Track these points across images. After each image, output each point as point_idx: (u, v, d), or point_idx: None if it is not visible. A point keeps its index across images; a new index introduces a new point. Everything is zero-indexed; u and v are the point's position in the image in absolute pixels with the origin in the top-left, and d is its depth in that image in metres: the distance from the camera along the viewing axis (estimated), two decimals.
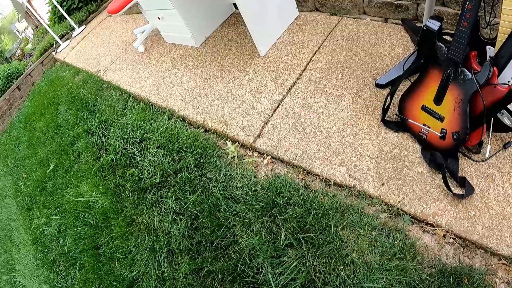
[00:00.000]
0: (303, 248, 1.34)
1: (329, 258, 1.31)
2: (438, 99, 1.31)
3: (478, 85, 1.15)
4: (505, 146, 1.35)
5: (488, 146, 1.35)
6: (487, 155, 1.35)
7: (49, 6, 5.86)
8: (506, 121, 1.30)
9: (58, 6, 5.06)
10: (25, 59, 6.19)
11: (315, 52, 2.11)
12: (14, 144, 3.98)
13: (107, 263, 1.86)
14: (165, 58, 2.93)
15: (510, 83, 1.15)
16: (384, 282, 1.20)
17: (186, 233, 1.64)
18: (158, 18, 2.82)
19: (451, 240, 1.25)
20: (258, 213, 1.49)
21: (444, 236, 1.27)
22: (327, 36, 2.17)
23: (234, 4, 2.92)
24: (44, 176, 2.87)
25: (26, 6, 5.38)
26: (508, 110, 1.26)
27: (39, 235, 2.47)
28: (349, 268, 1.27)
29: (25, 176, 3.22)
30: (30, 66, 5.38)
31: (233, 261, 1.45)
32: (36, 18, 6.30)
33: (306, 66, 2.05)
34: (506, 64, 1.17)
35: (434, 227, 1.29)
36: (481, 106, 1.19)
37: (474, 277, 1.12)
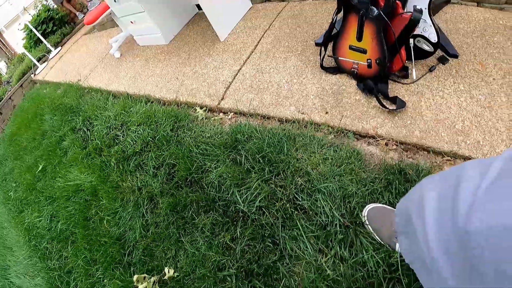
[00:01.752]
0: (264, 170, 1.61)
1: (286, 174, 1.57)
2: (359, 37, 1.59)
3: (384, 16, 1.42)
4: (430, 69, 1.61)
5: (414, 70, 1.62)
6: (414, 77, 1.62)
7: (24, 31, 6.12)
8: (425, 47, 1.58)
9: (34, 30, 5.34)
10: (4, 86, 6.37)
11: (266, 30, 2.46)
12: (1, 162, 4.11)
13: (97, 228, 2.05)
14: (139, 58, 3.24)
15: (414, 10, 1.37)
16: (338, 184, 1.42)
17: (165, 180, 1.90)
18: (131, 22, 3.14)
19: (394, 146, 1.48)
20: (223, 149, 1.78)
21: (386, 144, 1.49)
22: (275, 18, 2.53)
23: (197, 6, 3.27)
24: (34, 177, 3.03)
25: None
26: (424, 37, 1.53)
27: (32, 230, 2.61)
28: (304, 178, 1.53)
29: (14, 185, 3.35)
30: (10, 91, 5.57)
31: (206, 191, 1.72)
32: (8, 49, 6.53)
33: (259, 42, 2.40)
34: None
35: (376, 139, 1.53)
36: (393, 34, 1.45)
37: (419, 171, 1.32)
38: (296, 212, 1.48)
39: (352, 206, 1.37)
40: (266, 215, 1.51)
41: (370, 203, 1.34)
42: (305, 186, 1.52)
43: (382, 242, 1.25)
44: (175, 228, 1.71)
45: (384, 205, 1.31)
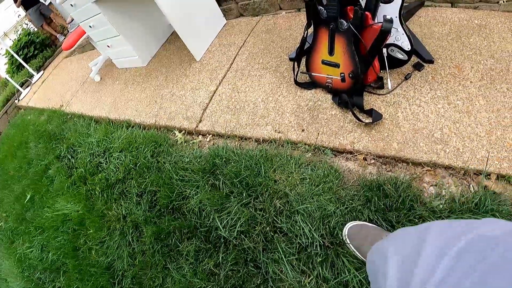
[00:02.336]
0: (242, 194, 1.63)
1: (265, 197, 1.58)
2: (331, 51, 1.58)
3: (353, 28, 1.42)
4: (406, 78, 1.61)
5: (389, 79, 1.62)
6: (389, 87, 1.62)
7: (6, 57, 6.11)
8: (399, 55, 1.56)
9: (16, 56, 5.32)
10: None
11: (240, 47, 2.48)
12: None
13: (87, 258, 2.06)
14: (118, 81, 3.25)
15: (384, 20, 1.35)
16: (316, 204, 1.42)
17: (147, 208, 1.92)
18: (108, 46, 3.15)
19: (372, 161, 1.47)
20: (202, 174, 1.80)
21: (364, 158, 1.49)
22: (249, 33, 2.55)
23: None
24: (22, 207, 3.03)
25: None
26: (397, 46, 1.53)
27: (24, 260, 2.61)
28: (283, 200, 1.54)
29: (4, 215, 3.37)
30: None
31: (187, 217, 1.73)
32: None
33: (234, 60, 2.42)
34: (376, 7, 1.43)
35: (354, 154, 1.53)
36: (364, 46, 1.45)
37: (399, 185, 1.31)
38: (276, 235, 1.50)
39: (331, 226, 1.38)
40: (247, 240, 1.53)
41: (350, 221, 1.35)
42: (284, 208, 1.54)
43: (364, 260, 1.26)
44: (160, 255, 1.73)
45: (364, 222, 1.32)
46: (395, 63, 1.62)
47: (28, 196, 3.07)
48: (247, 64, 2.31)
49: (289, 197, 1.54)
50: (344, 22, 1.45)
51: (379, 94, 1.65)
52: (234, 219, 1.59)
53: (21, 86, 5.33)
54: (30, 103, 4.62)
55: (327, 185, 1.48)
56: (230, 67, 2.38)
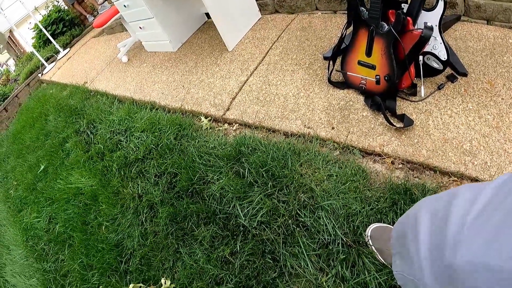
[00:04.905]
0: (267, 184, 1.59)
1: (290, 189, 1.54)
2: (369, 52, 1.57)
3: (394, 31, 1.41)
4: (439, 87, 1.60)
5: (422, 87, 1.61)
6: (422, 95, 1.60)
7: (34, 31, 6.16)
8: (435, 64, 1.55)
9: (44, 30, 5.37)
10: (11, 84, 6.40)
11: (274, 42, 2.45)
12: (3, 159, 4.09)
13: (95, 233, 2.03)
14: (146, 64, 3.24)
15: (423, 27, 1.36)
16: (342, 202, 1.39)
17: (166, 189, 1.88)
18: (140, 28, 3.15)
19: (400, 165, 1.45)
20: (226, 161, 1.76)
21: (392, 162, 1.47)
22: (284, 30, 2.52)
23: (206, 14, 3.28)
24: (35, 177, 3.02)
25: (8, 36, 5.65)
26: (433, 54, 1.51)
27: (30, 230, 2.60)
28: (308, 194, 1.50)
29: (15, 183, 3.35)
30: (17, 88, 5.59)
31: (207, 202, 1.70)
32: (18, 47, 6.57)
33: (267, 53, 2.39)
34: (418, 13, 1.42)
35: (382, 157, 1.50)
36: (403, 51, 1.44)
37: (424, 190, 1.30)
38: (298, 229, 1.46)
39: (355, 225, 1.34)
40: (267, 231, 1.49)
41: (374, 223, 1.32)
42: (308, 202, 1.50)
43: (385, 263, 1.22)
44: (174, 238, 1.69)
45: (388, 225, 1.29)
46: (430, 72, 1.61)
47: (42, 167, 3.06)
48: (280, 59, 2.28)
49: (315, 192, 1.50)
50: (385, 24, 1.45)
51: (411, 101, 1.63)
52: (256, 209, 1.55)
53: (46, 61, 5.36)
54: (54, 78, 4.64)
55: (354, 184, 1.45)
56: (262, 60, 2.36)
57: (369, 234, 1.29)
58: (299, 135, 1.78)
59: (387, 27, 1.45)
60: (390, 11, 1.44)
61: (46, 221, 2.53)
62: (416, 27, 1.44)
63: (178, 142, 2.09)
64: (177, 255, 1.65)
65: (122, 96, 3.03)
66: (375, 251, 1.25)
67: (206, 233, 1.60)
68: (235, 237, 1.54)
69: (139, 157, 2.19)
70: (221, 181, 1.71)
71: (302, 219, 1.46)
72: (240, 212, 1.56)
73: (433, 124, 1.49)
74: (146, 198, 1.92)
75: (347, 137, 1.64)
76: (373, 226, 1.30)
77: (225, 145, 1.90)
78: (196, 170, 1.82)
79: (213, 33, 3.02)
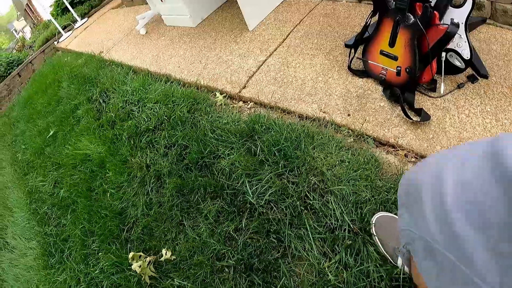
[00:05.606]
0: (278, 164, 1.56)
1: (300, 171, 1.52)
2: (392, 42, 1.56)
3: (420, 24, 1.38)
4: (459, 86, 1.56)
5: (442, 84, 1.56)
6: (442, 92, 1.56)
7: None
8: (457, 62, 1.51)
9: None
10: (26, 50, 6.40)
11: (296, 25, 2.40)
12: (13, 123, 4.10)
13: (99, 200, 2.02)
14: (164, 37, 3.21)
15: (450, 23, 1.34)
16: (352, 189, 1.36)
17: (174, 160, 1.86)
18: (161, 0, 3.11)
19: (413, 159, 1.41)
20: (239, 137, 1.73)
21: (405, 155, 1.43)
22: (307, 14, 2.47)
23: None
24: (43, 142, 3.03)
25: (26, 3, 5.63)
26: (456, 52, 1.47)
27: (34, 193, 2.61)
28: (318, 178, 1.47)
29: (23, 147, 3.35)
30: (31, 55, 5.59)
31: (215, 177, 1.67)
32: (35, 15, 6.54)
33: (288, 36, 2.34)
34: (445, 9, 1.38)
35: (396, 148, 1.47)
36: (427, 45, 1.41)
37: None
38: (305, 211, 1.43)
39: (363, 213, 1.31)
40: (274, 210, 1.46)
41: (380, 211, 1.29)
42: (318, 185, 1.47)
43: (385, 254, 1.20)
44: (178, 210, 1.67)
45: (394, 215, 1.25)
46: (451, 70, 1.57)
47: (51, 132, 3.06)
48: (301, 42, 2.23)
49: (325, 176, 1.46)
50: (411, 16, 1.42)
51: (430, 96, 1.59)
52: (265, 187, 1.52)
53: (63, 29, 5.34)
54: (69, 46, 4.63)
55: (365, 172, 1.41)
56: (282, 42, 2.31)
57: (373, 221, 1.26)
58: (314, 119, 1.75)
59: (413, 19, 1.42)
60: (418, 3, 1.40)
61: (51, 185, 2.53)
62: (442, 22, 1.41)
63: (191, 116, 2.06)
64: (180, 227, 1.64)
65: (138, 67, 3.00)
66: (377, 240, 1.23)
67: (212, 207, 1.57)
68: (241, 213, 1.52)
69: (150, 127, 2.17)
70: (232, 156, 1.68)
71: (311, 202, 1.43)
72: (248, 189, 1.53)
73: (450, 122, 1.46)
74: (154, 168, 1.90)
75: (362, 125, 1.60)
76: (380, 214, 1.28)
77: (238, 122, 1.87)
78: (208, 144, 1.80)
79: (234, 12, 2.97)
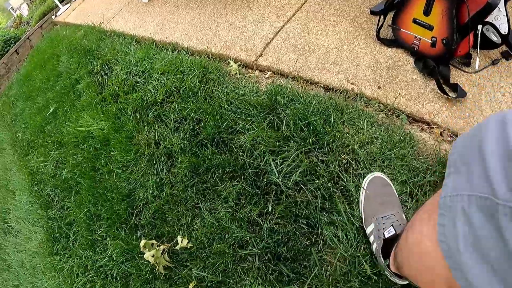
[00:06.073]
0: (305, 140, 1.39)
1: (330, 147, 1.36)
2: (427, 11, 1.40)
3: None
4: (493, 62, 1.43)
5: (477, 59, 1.43)
6: (476, 67, 1.42)
7: None
8: (493, 37, 1.38)
9: None
10: (23, 26, 6.15)
11: None
12: (12, 102, 3.93)
13: (105, 181, 1.87)
14: (169, 4, 2.97)
15: None
16: (387, 170, 1.24)
17: (187, 136, 1.68)
18: None
19: (448, 138, 1.31)
20: (260, 109, 1.55)
21: (441, 134, 1.32)
22: None
23: None
24: (43, 120, 2.86)
25: None
26: (493, 26, 1.35)
27: (36, 174, 2.48)
28: (350, 156, 1.32)
29: (23, 126, 3.20)
30: (29, 31, 5.35)
31: (234, 154, 1.50)
32: None
33: (306, 1, 2.12)
34: None
35: (430, 126, 1.35)
36: (466, 15, 1.28)
37: None
38: (337, 193, 1.27)
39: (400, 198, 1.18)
40: (303, 192, 1.29)
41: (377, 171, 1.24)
42: (350, 165, 1.31)
43: (362, 213, 1.19)
44: (193, 192, 1.52)
45: (390, 182, 1.20)
46: (486, 44, 1.43)
47: (51, 109, 2.89)
48: (321, 8, 2.01)
49: (358, 155, 1.31)
50: None
51: (464, 71, 1.45)
52: (291, 166, 1.35)
53: (60, 2, 5.08)
54: (68, 19, 4.38)
55: (401, 152, 1.27)
56: (301, 7, 2.09)
57: (366, 183, 1.21)
58: (342, 91, 1.57)
59: None
60: None
61: (53, 166, 2.39)
62: None
63: (203, 86, 1.87)
64: (196, 210, 1.49)
65: (141, 37, 2.78)
66: (362, 195, 1.21)
67: (232, 189, 1.41)
68: (265, 196, 1.36)
69: (158, 100, 1.98)
70: (252, 132, 1.50)
71: (344, 183, 1.28)
72: (274, 168, 1.36)
73: (485, 100, 1.34)
74: (164, 145, 1.73)
75: (395, 99, 1.44)
76: (374, 174, 1.22)
77: (257, 93, 1.68)
78: (224, 117, 1.61)
79: None
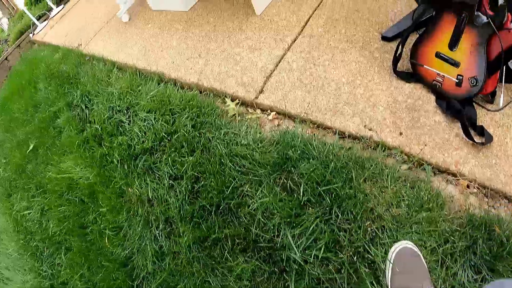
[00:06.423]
0: (324, 204, 1.21)
1: (353, 214, 1.18)
2: (453, 45, 1.25)
3: (494, 28, 1.11)
4: None
5: (502, 95, 1.28)
6: (500, 104, 1.27)
7: None
8: None
9: None
10: (1, 45, 5.88)
11: (315, 9, 1.96)
12: None
13: (96, 243, 1.68)
14: (151, 25, 2.73)
15: None
16: (416, 237, 1.10)
17: (186, 198, 1.47)
18: None
19: (475, 190, 1.17)
20: (269, 168, 1.34)
21: (468, 186, 1.18)
22: None
23: None
24: (24, 158, 2.64)
25: None
26: None
27: (21, 221, 2.27)
28: (375, 223, 1.16)
29: (4, 161, 2.98)
30: (6, 50, 5.09)
31: (244, 225, 1.30)
32: (11, 5, 5.97)
33: (307, 22, 1.91)
34: None
35: (456, 176, 1.20)
36: (496, 51, 1.16)
37: (503, 226, 1.05)
38: (365, 269, 1.10)
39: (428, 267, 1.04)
40: (326, 267, 1.12)
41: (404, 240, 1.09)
42: (376, 234, 1.14)
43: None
44: (200, 266, 1.32)
45: (419, 252, 1.07)
46: (509, 78, 1.31)
47: (31, 146, 2.67)
48: (326, 32, 1.80)
49: (384, 220, 1.15)
50: (482, 15, 1.15)
51: (487, 109, 1.29)
52: (311, 239, 1.16)
53: (38, 20, 4.81)
54: (46, 38, 4.13)
55: (429, 214, 1.13)
56: (302, 30, 1.88)
57: (393, 255, 1.07)
58: (359, 138, 1.38)
59: (485, 19, 1.14)
60: None
61: (38, 213, 2.17)
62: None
63: (198, 134, 1.65)
64: (206, 285, 1.28)
65: (123, 63, 2.55)
66: (389, 271, 1.06)
67: (246, 266, 1.21)
68: (284, 274, 1.16)
69: (147, 146, 1.76)
70: (262, 197, 1.30)
71: (371, 258, 1.11)
72: (293, 243, 1.17)
73: (511, 143, 1.20)
74: (159, 208, 1.52)
75: (421, 150, 1.27)
76: (402, 245, 1.08)
77: (262, 142, 1.47)
78: (228, 179, 1.40)
79: None
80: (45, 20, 4.80)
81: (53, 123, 2.60)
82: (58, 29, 4.10)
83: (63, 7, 4.76)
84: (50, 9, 4.89)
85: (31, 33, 4.76)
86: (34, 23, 4.76)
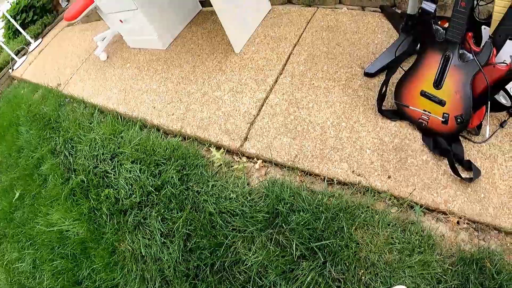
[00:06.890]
0: (317, 257, 1.22)
1: (346, 265, 1.19)
2: (438, 83, 1.25)
3: (480, 66, 1.11)
4: (501, 125, 1.31)
5: (488, 126, 1.30)
6: (486, 135, 1.29)
7: (2, 21, 5.48)
8: (503, 100, 1.28)
9: (12, 21, 4.72)
10: None
11: (295, 45, 1.97)
12: None
13: None
14: (130, 64, 2.72)
15: (508, 62, 1.12)
16: (409, 281, 1.11)
17: (180, 257, 1.45)
18: (120, 21, 2.60)
19: (465, 225, 1.19)
20: (260, 225, 1.34)
21: (457, 222, 1.20)
22: (305, 28, 2.04)
23: (201, 2, 2.74)
24: (11, 206, 2.58)
25: None
26: (504, 89, 1.24)
27: (13, 273, 2.21)
28: (369, 271, 1.17)
29: None
30: None
31: (240, 283, 1.29)
32: None
33: (287, 60, 1.91)
34: (503, 43, 1.15)
35: (446, 214, 1.22)
36: (481, 87, 1.16)
37: (494, 259, 1.08)
38: None
39: None
40: None
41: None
42: (370, 283, 1.16)
43: None
44: None
45: None
46: (494, 108, 1.32)
47: (17, 194, 2.61)
48: (307, 70, 1.81)
49: (377, 268, 1.17)
50: (468, 53, 1.16)
51: (474, 142, 1.32)
52: None
53: (16, 54, 4.74)
54: (25, 75, 4.07)
55: (420, 257, 1.15)
56: (283, 69, 1.88)
57: None
58: (347, 184, 1.38)
59: (471, 56, 1.14)
60: (469, 33, 1.16)
61: (30, 265, 2.12)
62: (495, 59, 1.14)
63: (186, 187, 1.63)
64: None
65: (103, 107, 2.52)
66: None
67: None
68: None
69: (135, 201, 1.74)
70: (256, 255, 1.29)
71: None
72: None
73: (499, 174, 1.22)
74: (154, 266, 1.50)
75: (410, 193, 1.27)
76: None
77: (250, 195, 1.46)
78: (219, 238, 1.39)
79: (210, 27, 2.50)
80: (24, 54, 4.75)
81: (37, 170, 2.55)
82: (38, 64, 4.05)
83: (41, 41, 4.70)
84: (29, 43, 4.83)
85: (10, 68, 4.70)
86: (13, 59, 4.70)
